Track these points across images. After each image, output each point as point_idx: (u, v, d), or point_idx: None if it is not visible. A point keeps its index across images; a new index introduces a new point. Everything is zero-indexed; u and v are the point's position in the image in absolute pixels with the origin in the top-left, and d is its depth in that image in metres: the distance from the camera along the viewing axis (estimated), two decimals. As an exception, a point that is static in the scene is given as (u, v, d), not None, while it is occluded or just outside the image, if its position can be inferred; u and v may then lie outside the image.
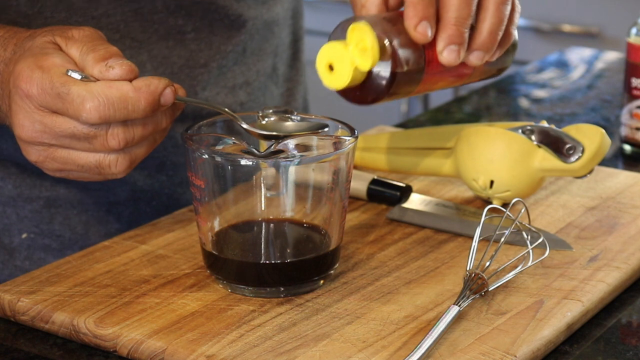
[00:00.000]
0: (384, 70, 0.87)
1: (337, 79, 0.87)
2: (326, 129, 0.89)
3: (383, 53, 0.86)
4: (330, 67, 0.87)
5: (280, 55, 1.19)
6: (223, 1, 1.08)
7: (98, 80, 0.83)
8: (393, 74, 0.87)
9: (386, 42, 0.86)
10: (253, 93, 1.14)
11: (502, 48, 0.92)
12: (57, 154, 0.86)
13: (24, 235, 1.05)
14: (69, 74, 0.83)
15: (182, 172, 1.10)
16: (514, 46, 0.97)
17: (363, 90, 0.89)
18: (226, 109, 0.88)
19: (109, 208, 1.07)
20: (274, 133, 0.87)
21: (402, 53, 0.87)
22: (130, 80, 0.84)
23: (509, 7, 0.91)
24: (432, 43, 0.88)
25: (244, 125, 0.87)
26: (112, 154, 0.85)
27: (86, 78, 0.83)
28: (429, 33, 0.87)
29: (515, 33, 0.96)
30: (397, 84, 0.88)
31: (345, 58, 0.86)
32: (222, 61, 1.09)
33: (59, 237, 1.06)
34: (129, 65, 0.84)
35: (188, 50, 1.07)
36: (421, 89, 0.91)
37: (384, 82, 0.87)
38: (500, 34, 0.91)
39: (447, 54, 0.88)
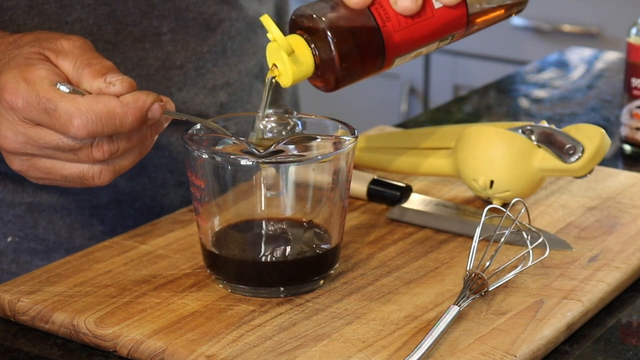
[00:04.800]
0: (328, 55, 0.84)
1: (284, 77, 0.85)
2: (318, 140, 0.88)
3: (318, 45, 0.83)
4: (275, 66, 0.85)
5: (260, 58, 1.18)
6: None
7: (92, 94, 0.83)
8: (340, 56, 0.84)
9: (310, 38, 0.83)
10: (235, 94, 1.13)
11: None
12: (40, 164, 0.85)
13: (9, 239, 1.05)
14: (58, 87, 0.82)
15: (164, 174, 1.09)
16: None
17: (324, 78, 0.86)
18: (217, 125, 0.87)
19: (92, 211, 1.07)
20: (261, 151, 0.85)
21: (340, 31, 0.83)
22: None
23: None
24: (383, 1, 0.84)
25: (235, 141, 0.86)
26: (96, 165, 0.85)
27: (75, 91, 0.82)
28: None
29: None
30: (351, 62, 0.84)
31: (282, 58, 0.84)
32: (198, 62, 1.09)
33: (44, 241, 1.06)
34: (129, 82, 0.83)
35: (164, 52, 1.06)
36: (397, 52, 0.86)
37: (336, 67, 0.84)
38: None
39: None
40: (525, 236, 0.89)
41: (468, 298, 0.82)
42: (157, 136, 0.87)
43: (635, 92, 1.22)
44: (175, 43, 1.07)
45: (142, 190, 1.09)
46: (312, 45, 0.84)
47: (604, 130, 0.99)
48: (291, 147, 0.85)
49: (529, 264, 0.87)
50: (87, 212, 1.07)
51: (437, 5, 0.86)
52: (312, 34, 0.84)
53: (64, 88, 0.82)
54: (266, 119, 0.90)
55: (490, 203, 0.99)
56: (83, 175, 0.85)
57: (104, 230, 1.08)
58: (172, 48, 1.06)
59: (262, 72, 1.18)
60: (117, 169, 0.86)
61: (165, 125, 0.87)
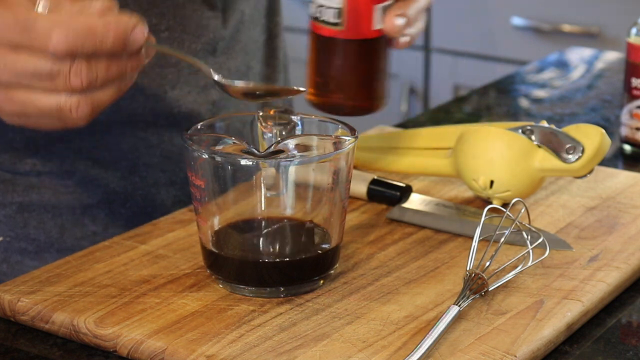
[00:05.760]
0: None
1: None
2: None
3: None
4: None
5: (253, 53, 1.18)
6: None
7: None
8: None
9: None
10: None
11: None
12: (17, 96, 0.83)
13: None
14: (36, 8, 0.80)
15: (156, 173, 1.09)
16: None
17: None
18: (199, 61, 0.87)
19: (83, 211, 1.07)
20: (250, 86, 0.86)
21: None
22: None
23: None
24: None
25: (216, 78, 0.86)
26: (73, 96, 0.82)
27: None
28: None
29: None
30: None
31: None
32: (195, 58, 1.09)
33: (34, 241, 1.06)
34: (110, 3, 0.81)
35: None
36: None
37: None
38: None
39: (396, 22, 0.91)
40: (525, 236, 0.89)
41: (468, 298, 0.82)
42: (136, 74, 0.85)
43: (635, 92, 1.22)
44: (171, 41, 1.07)
45: (133, 190, 1.09)
46: None
47: (604, 130, 0.99)
48: (291, 147, 0.85)
49: (529, 264, 0.87)
50: (78, 212, 1.07)
51: None
52: None
53: (42, 9, 0.81)
54: (266, 119, 0.90)
55: (490, 203, 0.99)
56: (60, 107, 0.82)
57: (96, 230, 1.07)
58: (169, 46, 1.07)
59: (250, 71, 1.18)
60: (95, 102, 0.83)
61: (146, 61, 0.85)
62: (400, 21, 0.92)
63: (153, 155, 1.09)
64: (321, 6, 0.92)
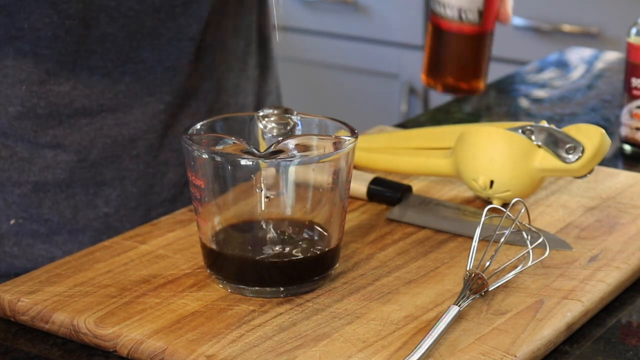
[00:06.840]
0: None
1: None
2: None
3: None
4: None
5: (249, 39, 1.19)
6: None
7: None
8: None
9: None
10: (226, 71, 1.15)
11: None
12: None
13: (12, 222, 1.06)
14: None
15: (167, 152, 1.11)
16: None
17: None
18: None
19: (97, 190, 1.08)
20: None
21: None
22: None
23: None
24: None
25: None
26: None
27: None
28: None
29: None
30: None
31: None
32: (204, 35, 1.11)
33: (47, 222, 1.07)
34: None
35: (177, 24, 1.08)
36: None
37: None
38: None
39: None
40: (525, 236, 0.89)
41: (468, 298, 0.82)
42: None
43: (635, 92, 1.22)
44: (186, 16, 1.08)
45: (145, 168, 1.10)
46: None
47: (604, 130, 0.99)
48: (291, 147, 0.85)
49: (529, 264, 0.87)
50: (91, 192, 1.08)
51: None
52: None
53: None
54: (266, 119, 0.90)
55: (490, 203, 0.99)
56: None
57: (108, 212, 1.08)
58: (184, 21, 1.08)
59: (246, 56, 1.19)
60: None
61: None
62: (510, 11, 1.10)
63: (167, 135, 1.10)
64: (459, 8, 1.09)
